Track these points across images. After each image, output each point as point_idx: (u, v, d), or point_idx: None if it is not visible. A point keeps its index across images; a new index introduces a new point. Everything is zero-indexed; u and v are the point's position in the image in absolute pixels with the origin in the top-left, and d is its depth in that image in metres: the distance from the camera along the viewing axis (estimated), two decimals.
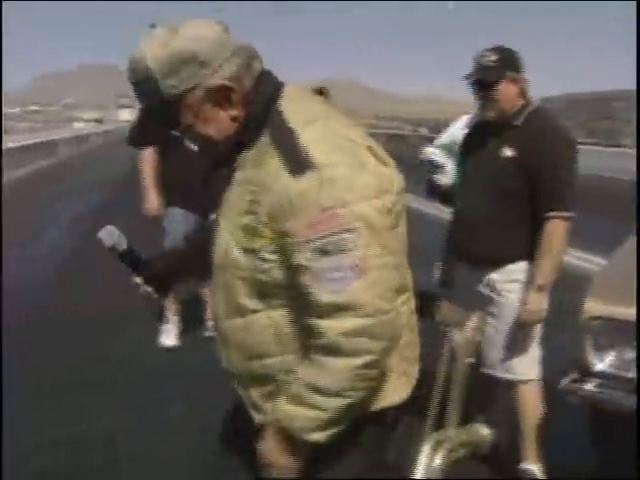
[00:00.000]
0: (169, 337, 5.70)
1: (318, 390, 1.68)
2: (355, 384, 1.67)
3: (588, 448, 3.64)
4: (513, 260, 3.37)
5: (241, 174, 1.74)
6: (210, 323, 5.75)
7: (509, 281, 3.38)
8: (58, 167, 27.01)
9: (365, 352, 1.64)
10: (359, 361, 1.65)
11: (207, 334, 5.80)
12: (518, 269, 3.36)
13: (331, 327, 1.63)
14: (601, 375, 3.17)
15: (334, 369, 1.66)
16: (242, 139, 1.74)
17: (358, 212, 1.61)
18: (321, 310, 1.64)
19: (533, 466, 3.55)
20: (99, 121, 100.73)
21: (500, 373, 3.46)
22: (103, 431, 4.21)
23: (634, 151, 19.94)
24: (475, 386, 2.76)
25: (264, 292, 1.73)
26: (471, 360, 2.80)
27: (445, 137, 5.40)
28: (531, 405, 3.53)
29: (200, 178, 5.20)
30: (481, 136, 3.51)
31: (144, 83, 1.70)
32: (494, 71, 3.31)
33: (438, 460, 2.36)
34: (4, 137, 39.66)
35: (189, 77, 1.67)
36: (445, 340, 2.73)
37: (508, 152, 3.32)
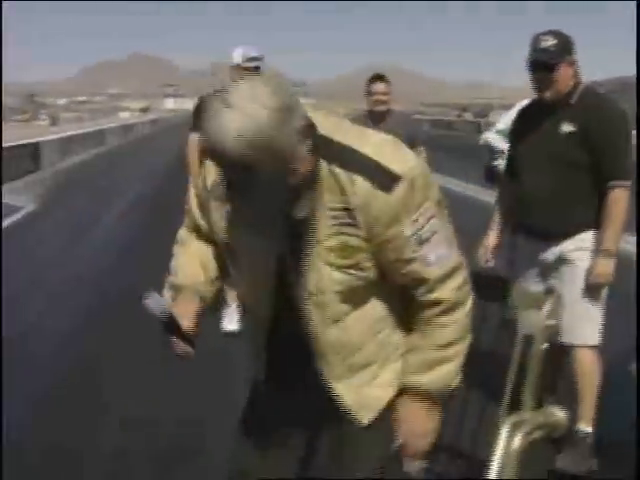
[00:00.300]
0: (231, 322, 5.78)
1: (450, 344, 1.93)
2: (469, 322, 1.96)
3: None
4: (583, 229, 3.50)
5: (316, 205, 1.78)
6: None
7: (580, 249, 3.49)
8: (107, 156, 27.35)
9: (469, 294, 1.94)
10: (469, 303, 1.94)
11: None
12: (588, 237, 3.50)
13: (445, 292, 1.88)
14: None
15: (457, 320, 1.92)
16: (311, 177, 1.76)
17: (434, 199, 1.84)
18: (433, 285, 1.87)
19: (587, 428, 3.61)
20: (144, 110, 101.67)
21: (566, 339, 3.51)
22: (171, 413, 4.30)
23: None
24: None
25: (357, 294, 1.88)
26: (547, 345, 2.82)
27: (503, 123, 5.43)
28: (590, 370, 3.59)
29: None
30: (537, 115, 3.66)
31: (263, 151, 1.61)
32: (555, 54, 3.47)
33: (516, 442, 2.38)
34: (54, 128, 40.40)
35: (297, 127, 1.67)
36: (519, 325, 2.76)
37: (568, 127, 3.48)
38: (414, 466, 2.18)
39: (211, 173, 1.89)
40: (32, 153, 20.04)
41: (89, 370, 5.07)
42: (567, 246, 3.51)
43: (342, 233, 1.78)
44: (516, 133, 3.85)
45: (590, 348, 3.58)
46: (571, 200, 3.49)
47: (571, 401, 3.57)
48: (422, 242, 1.81)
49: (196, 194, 2.03)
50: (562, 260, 3.52)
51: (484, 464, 2.42)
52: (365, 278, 1.84)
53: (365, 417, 1.98)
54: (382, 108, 5.56)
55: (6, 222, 11.31)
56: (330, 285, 1.83)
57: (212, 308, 2.16)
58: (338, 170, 1.75)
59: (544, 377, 2.79)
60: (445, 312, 1.90)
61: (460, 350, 1.95)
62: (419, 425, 2.00)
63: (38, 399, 4.56)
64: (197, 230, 2.10)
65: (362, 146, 1.78)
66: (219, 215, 1.91)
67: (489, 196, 12.04)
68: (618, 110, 3.55)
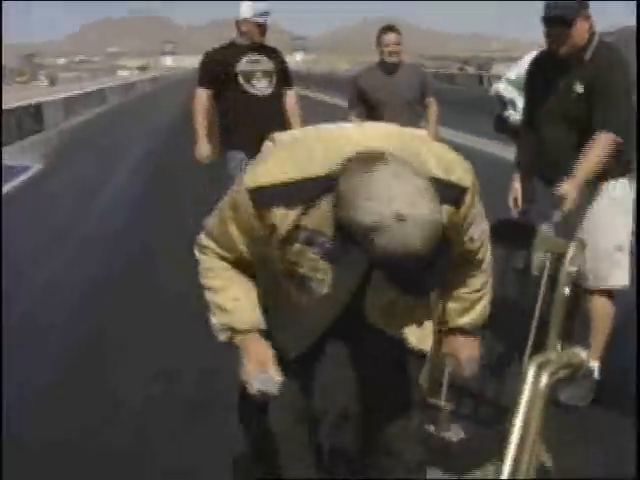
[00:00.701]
0: None
1: (481, 288, 2.27)
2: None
3: None
4: (603, 179, 3.56)
5: None
6: None
7: (602, 195, 3.58)
8: (110, 114, 27.28)
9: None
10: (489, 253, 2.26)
11: None
12: (603, 188, 3.58)
13: (479, 255, 2.19)
14: None
15: (484, 269, 2.26)
16: None
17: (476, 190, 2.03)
18: (473, 254, 2.17)
19: (594, 364, 3.73)
20: (143, 69, 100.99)
21: (588, 284, 3.63)
22: (196, 366, 4.38)
23: None
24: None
25: None
26: (569, 289, 2.88)
27: (514, 73, 5.43)
28: (604, 312, 3.70)
29: (259, 121, 5.35)
30: (551, 70, 3.64)
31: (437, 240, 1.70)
32: (572, 9, 3.44)
33: (543, 381, 2.46)
34: (54, 88, 40.23)
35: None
36: (545, 270, 2.82)
37: (580, 88, 3.49)
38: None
39: (284, 219, 1.88)
40: (34, 114, 20.01)
41: (104, 328, 5.15)
42: (594, 194, 3.58)
43: None
44: (530, 86, 3.86)
45: (607, 292, 3.67)
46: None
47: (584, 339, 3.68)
48: (470, 225, 2.05)
49: (241, 225, 1.96)
50: (588, 206, 3.59)
51: (508, 409, 2.49)
52: None
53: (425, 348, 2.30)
54: (395, 59, 5.56)
55: (14, 182, 11.36)
56: None
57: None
58: None
59: (566, 321, 2.87)
60: (476, 266, 2.22)
61: (488, 289, 2.29)
62: (469, 353, 2.37)
63: (56, 360, 4.63)
64: (228, 257, 2.07)
65: (427, 158, 1.90)
66: (295, 253, 1.94)
67: (495, 148, 12.27)
68: (624, 67, 3.52)
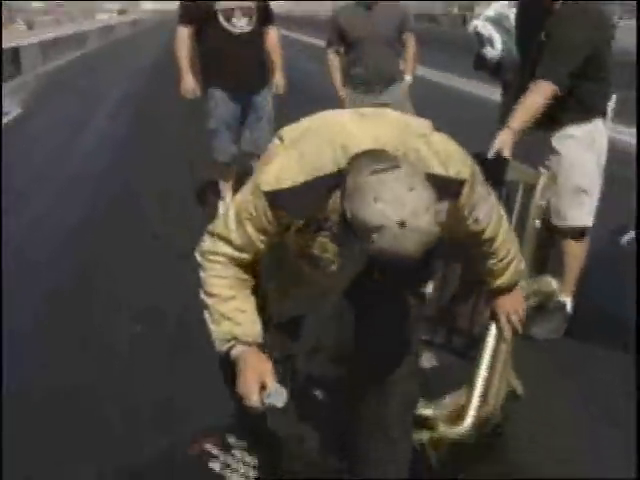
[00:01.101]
0: None
1: (507, 253, 2.38)
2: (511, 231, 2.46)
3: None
4: (570, 123, 3.60)
5: None
6: None
7: (567, 139, 3.61)
8: (90, 58, 26.93)
9: (503, 217, 2.37)
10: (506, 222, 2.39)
11: None
12: (573, 130, 3.61)
13: (489, 232, 2.30)
14: None
15: (504, 238, 2.35)
16: None
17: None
18: (482, 234, 2.29)
19: (566, 298, 3.83)
20: (122, 12, 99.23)
21: (554, 221, 3.70)
22: (178, 301, 4.45)
23: None
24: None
25: None
26: (539, 221, 2.97)
27: (492, 10, 5.42)
28: (576, 249, 3.78)
29: (239, 59, 5.36)
30: (529, 18, 3.68)
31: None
32: None
33: None
34: (31, 32, 39.60)
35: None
36: (516, 200, 2.89)
37: (542, 37, 3.49)
38: None
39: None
40: (12, 58, 19.69)
41: (88, 265, 5.23)
42: (557, 137, 3.63)
43: None
44: (516, 30, 3.91)
45: (579, 230, 3.75)
46: (557, 99, 3.48)
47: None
48: (473, 209, 2.16)
49: (257, 224, 2.05)
50: (552, 149, 3.64)
51: (480, 338, 2.59)
52: None
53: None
54: None
55: None
56: None
57: None
58: None
59: (539, 252, 2.95)
60: (489, 243, 2.31)
61: (514, 254, 2.40)
62: (517, 304, 2.55)
63: (46, 296, 4.71)
64: (243, 257, 2.13)
65: (427, 155, 2.02)
66: (306, 242, 2.11)
67: (476, 88, 12.30)
68: (585, 22, 3.49)
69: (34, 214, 6.53)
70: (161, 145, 9.18)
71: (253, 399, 2.02)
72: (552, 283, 2.82)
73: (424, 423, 2.49)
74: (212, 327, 2.14)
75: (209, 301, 2.13)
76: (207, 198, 6.49)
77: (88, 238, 5.80)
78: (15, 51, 20.19)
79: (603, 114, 3.66)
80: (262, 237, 2.06)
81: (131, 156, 8.70)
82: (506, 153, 3.28)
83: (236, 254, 2.10)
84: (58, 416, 3.27)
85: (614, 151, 3.90)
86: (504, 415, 2.77)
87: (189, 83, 5.65)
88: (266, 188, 1.97)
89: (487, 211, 2.22)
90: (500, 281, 2.46)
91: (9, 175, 7.65)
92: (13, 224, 6.10)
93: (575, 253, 3.80)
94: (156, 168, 7.91)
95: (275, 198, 1.97)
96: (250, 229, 2.05)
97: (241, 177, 6.00)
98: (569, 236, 3.76)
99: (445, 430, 2.46)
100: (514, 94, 3.72)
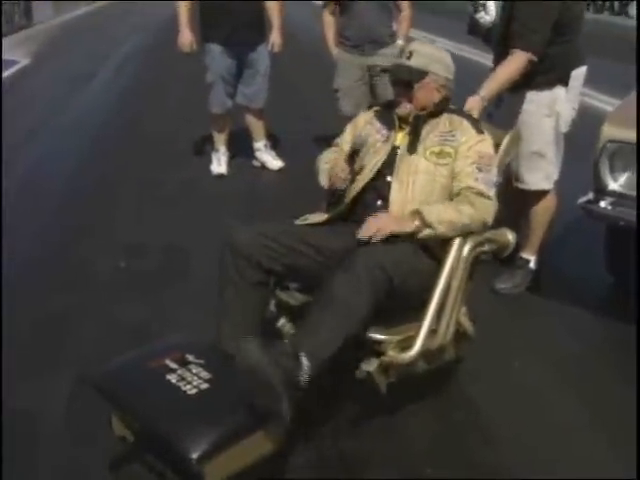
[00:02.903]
0: (220, 165, 6.11)
1: (457, 215, 2.77)
2: (473, 220, 2.81)
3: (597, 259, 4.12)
4: (536, 88, 3.78)
5: (432, 128, 2.98)
6: (260, 153, 6.20)
7: (526, 103, 3.80)
8: (96, 15, 26.93)
9: (488, 208, 2.86)
10: (483, 213, 2.84)
11: (255, 164, 6.26)
12: (533, 95, 3.79)
13: (472, 197, 2.87)
14: (615, 194, 3.50)
15: (468, 213, 2.80)
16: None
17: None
18: (471, 191, 2.89)
19: (530, 256, 4.06)
20: None
21: (515, 183, 3.92)
22: (162, 240, 4.71)
23: None
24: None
25: (427, 182, 2.90)
26: (502, 177, 3.17)
27: None
28: (541, 209, 3.98)
29: (237, 14, 5.52)
30: None
31: None
32: None
33: (466, 250, 2.78)
34: None
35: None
36: None
37: (508, 7, 3.75)
38: None
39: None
40: (24, 10, 19.78)
41: (84, 207, 5.47)
42: (520, 101, 3.79)
43: (444, 143, 2.93)
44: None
45: (542, 193, 3.93)
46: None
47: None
48: (481, 170, 2.85)
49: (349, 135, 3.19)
50: (515, 113, 3.81)
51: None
52: (444, 174, 2.88)
53: None
54: None
55: (4, 74, 11.43)
56: (418, 168, 2.90)
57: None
58: (454, 115, 3.02)
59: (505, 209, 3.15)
60: (466, 203, 2.79)
61: (456, 222, 2.75)
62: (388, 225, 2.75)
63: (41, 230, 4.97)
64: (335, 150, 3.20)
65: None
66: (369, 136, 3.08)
67: (470, 54, 12.30)
68: None
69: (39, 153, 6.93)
70: (162, 95, 9.56)
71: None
72: (508, 234, 2.96)
73: (375, 347, 2.66)
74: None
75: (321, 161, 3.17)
76: (202, 148, 6.71)
77: (84, 181, 6.05)
78: (27, 4, 20.23)
79: (565, 82, 3.81)
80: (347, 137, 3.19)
81: (132, 110, 8.90)
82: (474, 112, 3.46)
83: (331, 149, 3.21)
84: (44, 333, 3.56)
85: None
86: (456, 355, 3.00)
87: (187, 37, 5.82)
88: None
89: (488, 182, 2.86)
90: (426, 210, 2.74)
91: (21, 114, 8.05)
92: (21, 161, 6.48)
93: (536, 214, 3.99)
94: (156, 119, 8.19)
95: None
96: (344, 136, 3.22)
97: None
98: (530, 198, 3.95)
99: (394, 355, 2.61)
100: (493, 62, 3.93)
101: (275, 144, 6.57)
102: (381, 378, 2.66)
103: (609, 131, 3.48)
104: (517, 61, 3.62)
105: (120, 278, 4.19)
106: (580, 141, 3.87)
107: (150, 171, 6.21)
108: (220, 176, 6.07)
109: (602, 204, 3.51)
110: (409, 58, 3.01)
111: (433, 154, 2.93)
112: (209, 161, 6.20)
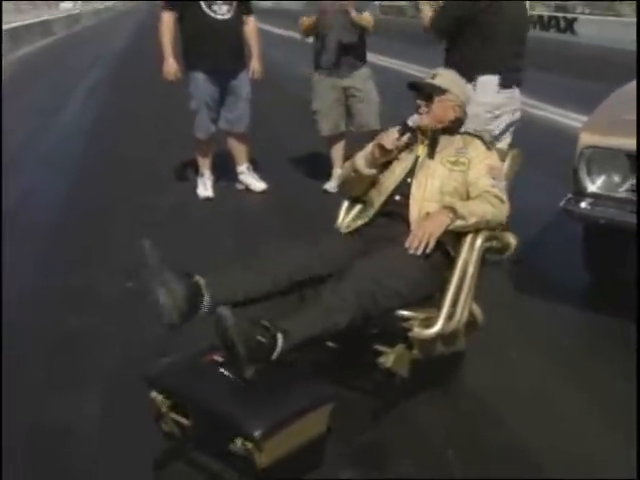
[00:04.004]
0: (206, 190, 6.34)
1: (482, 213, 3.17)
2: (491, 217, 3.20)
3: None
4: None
5: (448, 144, 3.39)
6: (244, 176, 6.44)
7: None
8: (56, 46, 27.00)
9: (501, 209, 3.25)
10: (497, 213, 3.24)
11: (238, 187, 6.50)
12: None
13: (490, 197, 3.30)
14: (593, 195, 3.81)
15: (486, 210, 3.20)
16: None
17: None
18: (487, 192, 3.32)
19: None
20: None
21: None
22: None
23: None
24: None
25: (456, 193, 3.29)
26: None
27: None
28: None
29: (219, 43, 5.77)
30: None
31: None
32: None
33: (478, 242, 3.13)
34: None
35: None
36: None
37: None
38: None
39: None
40: None
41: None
42: None
43: (458, 155, 3.34)
44: None
45: None
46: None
47: None
48: (494, 179, 3.28)
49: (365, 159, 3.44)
50: None
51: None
52: (455, 179, 3.28)
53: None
54: None
55: None
56: (435, 172, 3.31)
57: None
58: (467, 136, 3.44)
59: None
60: (487, 203, 3.19)
61: (482, 216, 3.15)
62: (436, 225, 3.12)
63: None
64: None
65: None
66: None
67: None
68: None
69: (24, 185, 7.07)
70: (132, 125, 9.74)
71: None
72: (510, 237, 3.29)
73: (402, 322, 2.98)
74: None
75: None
76: (184, 173, 6.95)
77: (74, 210, 6.23)
78: None
79: (518, 84, 4.61)
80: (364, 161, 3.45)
81: (107, 137, 9.10)
82: None
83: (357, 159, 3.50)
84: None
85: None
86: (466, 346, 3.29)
87: (172, 66, 6.03)
88: None
89: (498, 188, 3.26)
90: (459, 204, 3.16)
91: None
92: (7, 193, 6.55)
93: None
94: (133, 145, 8.43)
95: None
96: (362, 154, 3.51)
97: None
98: None
99: (419, 331, 2.92)
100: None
101: (255, 167, 6.77)
102: (404, 357, 2.95)
103: (585, 138, 3.80)
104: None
105: (128, 298, 4.35)
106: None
107: (138, 196, 6.41)
108: (207, 199, 6.29)
109: (582, 205, 3.83)
110: (433, 78, 3.42)
111: (449, 162, 3.35)
112: (193, 185, 6.42)
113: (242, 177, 6.53)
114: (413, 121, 3.37)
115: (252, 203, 6.33)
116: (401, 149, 3.42)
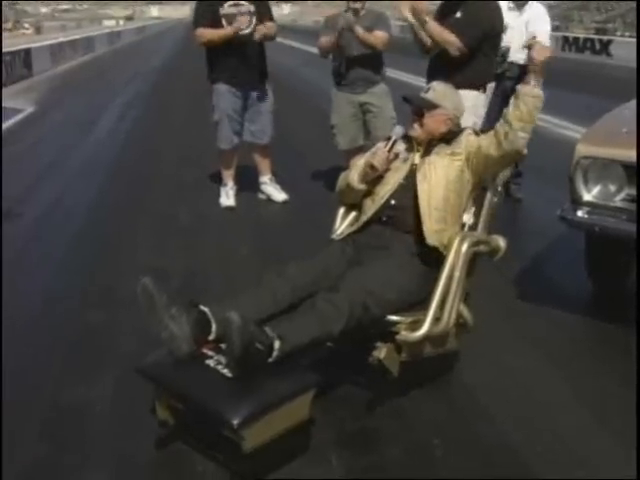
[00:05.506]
0: (229, 199, 6.56)
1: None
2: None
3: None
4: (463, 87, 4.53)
5: (442, 150, 3.53)
6: (266, 186, 6.65)
7: None
8: (97, 62, 27.56)
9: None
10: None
11: (260, 196, 6.70)
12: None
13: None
14: (589, 204, 3.96)
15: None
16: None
17: None
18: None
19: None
20: (130, 18, 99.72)
21: None
22: (182, 265, 5.14)
23: None
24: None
25: (459, 182, 3.48)
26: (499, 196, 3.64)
27: None
28: None
29: (240, 57, 6.00)
30: (448, 6, 5.10)
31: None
32: None
33: (465, 247, 3.26)
34: (39, 37, 40.19)
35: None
36: None
37: (458, 14, 4.90)
38: None
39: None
40: (24, 60, 20.30)
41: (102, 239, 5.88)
42: None
43: (453, 147, 3.51)
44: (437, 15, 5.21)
45: None
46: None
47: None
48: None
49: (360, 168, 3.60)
50: None
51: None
52: (456, 167, 3.46)
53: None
54: (356, 5, 6.10)
55: (9, 122, 11.90)
56: (437, 163, 3.47)
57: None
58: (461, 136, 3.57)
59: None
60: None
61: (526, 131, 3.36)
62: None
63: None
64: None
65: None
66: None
67: None
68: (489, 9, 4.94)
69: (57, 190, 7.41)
70: (165, 138, 10.07)
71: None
72: (500, 242, 3.44)
73: (389, 327, 3.14)
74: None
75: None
76: (208, 184, 7.19)
77: (103, 214, 6.51)
78: (27, 53, 20.78)
79: (484, 88, 5.00)
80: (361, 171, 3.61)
81: (139, 151, 9.44)
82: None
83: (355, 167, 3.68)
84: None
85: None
86: (457, 348, 3.48)
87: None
88: None
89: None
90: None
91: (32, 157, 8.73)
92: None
93: None
94: (166, 157, 8.75)
95: None
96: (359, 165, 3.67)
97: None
98: None
99: (406, 334, 3.07)
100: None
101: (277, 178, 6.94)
102: (394, 358, 3.11)
103: (582, 149, 3.96)
104: (451, 37, 4.78)
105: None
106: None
107: (164, 205, 6.68)
108: (229, 208, 6.51)
109: (579, 213, 3.98)
110: (427, 92, 3.59)
111: (446, 155, 3.53)
112: (216, 195, 6.65)
113: (264, 187, 6.74)
114: (396, 134, 3.56)
115: (273, 213, 6.53)
116: (391, 160, 3.58)
